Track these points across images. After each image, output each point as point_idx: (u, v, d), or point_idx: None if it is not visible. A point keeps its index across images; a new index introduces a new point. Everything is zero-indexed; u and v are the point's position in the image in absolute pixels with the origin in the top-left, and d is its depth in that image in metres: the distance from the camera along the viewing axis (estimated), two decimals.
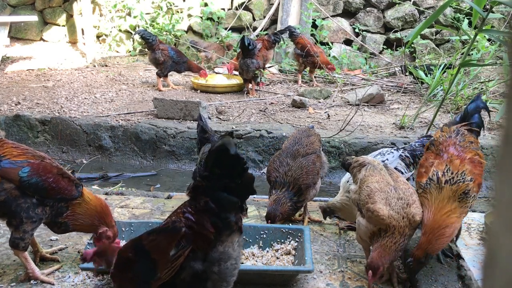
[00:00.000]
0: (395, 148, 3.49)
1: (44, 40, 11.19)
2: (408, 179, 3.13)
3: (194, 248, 1.92)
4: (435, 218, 2.64)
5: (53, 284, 2.76)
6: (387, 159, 3.28)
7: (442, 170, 2.75)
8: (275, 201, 3.40)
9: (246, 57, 7.05)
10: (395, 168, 3.21)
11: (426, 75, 7.13)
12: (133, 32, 10.12)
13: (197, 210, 1.93)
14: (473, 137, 2.95)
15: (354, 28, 9.81)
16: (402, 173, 3.17)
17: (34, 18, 9.56)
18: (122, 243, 3.17)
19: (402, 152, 3.38)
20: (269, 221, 3.34)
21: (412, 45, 9.01)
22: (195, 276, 1.93)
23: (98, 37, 10.82)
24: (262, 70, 7.44)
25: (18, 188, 2.65)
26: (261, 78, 7.55)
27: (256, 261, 3.05)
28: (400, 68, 8.58)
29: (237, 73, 8.06)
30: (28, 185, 2.65)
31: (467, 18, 8.42)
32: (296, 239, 3.14)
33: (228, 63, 8.50)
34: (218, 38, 9.95)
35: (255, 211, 3.88)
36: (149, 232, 2.03)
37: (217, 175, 1.90)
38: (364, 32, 9.82)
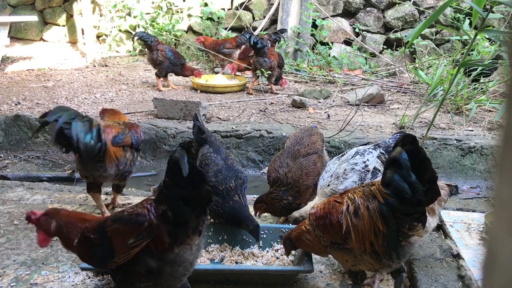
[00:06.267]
0: (372, 146, 3.37)
1: (44, 40, 11.19)
2: None
3: (150, 246, 2.03)
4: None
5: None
6: (367, 160, 3.20)
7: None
8: (268, 192, 3.48)
9: (258, 56, 7.19)
10: (375, 168, 3.15)
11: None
12: (133, 32, 10.13)
13: (158, 214, 2.03)
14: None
15: (354, 28, 9.81)
16: (380, 171, 3.11)
17: (34, 18, 9.55)
18: None
19: (379, 151, 3.29)
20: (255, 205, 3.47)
21: (412, 45, 9.01)
22: (149, 272, 2.05)
23: (98, 37, 10.83)
24: (264, 69, 7.45)
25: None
26: (261, 78, 7.55)
27: (256, 261, 3.04)
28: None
29: (239, 73, 8.07)
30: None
31: (467, 18, 8.43)
32: None
33: (230, 63, 8.49)
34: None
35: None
36: (114, 220, 2.12)
37: (175, 184, 1.97)
38: (364, 32, 9.82)
